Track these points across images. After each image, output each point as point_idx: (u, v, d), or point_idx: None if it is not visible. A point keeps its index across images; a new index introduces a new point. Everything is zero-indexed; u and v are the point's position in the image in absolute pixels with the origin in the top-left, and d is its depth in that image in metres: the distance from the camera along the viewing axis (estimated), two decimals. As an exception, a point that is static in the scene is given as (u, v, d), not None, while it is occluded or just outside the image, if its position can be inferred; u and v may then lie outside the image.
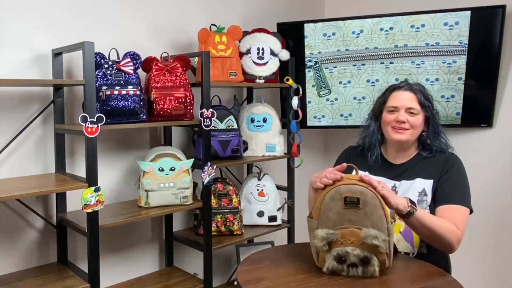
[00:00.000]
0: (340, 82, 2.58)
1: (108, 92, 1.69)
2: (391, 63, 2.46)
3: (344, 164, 1.36)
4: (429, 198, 1.55)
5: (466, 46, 2.31)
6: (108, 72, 1.73)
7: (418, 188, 1.57)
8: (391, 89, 1.66)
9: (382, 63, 2.48)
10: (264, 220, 2.31)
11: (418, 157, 1.63)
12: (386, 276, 1.26)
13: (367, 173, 1.68)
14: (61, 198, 1.83)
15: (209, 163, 1.96)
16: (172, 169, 1.88)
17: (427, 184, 1.57)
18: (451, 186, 1.53)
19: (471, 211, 1.52)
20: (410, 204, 1.36)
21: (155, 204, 1.87)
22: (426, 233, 1.41)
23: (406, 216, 1.36)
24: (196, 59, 2.11)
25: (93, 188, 1.60)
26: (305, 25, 2.58)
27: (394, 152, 1.66)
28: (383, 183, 1.32)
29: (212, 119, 1.97)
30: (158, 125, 1.85)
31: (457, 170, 1.56)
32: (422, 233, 1.43)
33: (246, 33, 2.28)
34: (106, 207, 1.90)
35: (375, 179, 1.28)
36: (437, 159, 1.59)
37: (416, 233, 1.48)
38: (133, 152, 2.12)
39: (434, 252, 1.53)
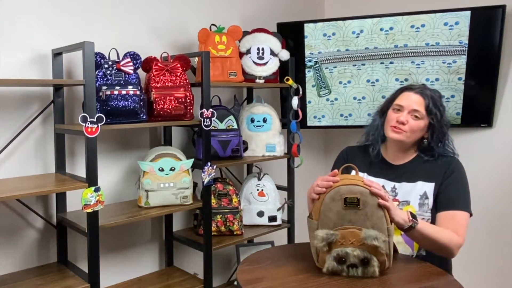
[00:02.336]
0: (340, 82, 2.58)
1: (108, 92, 1.69)
2: (391, 63, 2.46)
3: (336, 171, 1.35)
4: (430, 201, 1.55)
5: (466, 46, 2.31)
6: (108, 72, 1.72)
7: (419, 191, 1.57)
8: (403, 89, 1.65)
9: (382, 63, 2.48)
10: (264, 220, 2.31)
11: (418, 160, 1.62)
12: (386, 277, 1.26)
13: (365, 175, 1.67)
14: (61, 198, 1.83)
15: (209, 163, 1.96)
16: (172, 169, 1.88)
17: (428, 187, 1.56)
18: (453, 191, 1.53)
19: (471, 215, 1.52)
20: (411, 218, 1.36)
21: (155, 204, 1.87)
22: (427, 244, 1.44)
23: (408, 230, 1.37)
24: (196, 59, 2.11)
25: (93, 188, 1.60)
26: (305, 25, 2.58)
27: (393, 152, 1.66)
28: (388, 195, 1.34)
29: (212, 119, 1.97)
30: (158, 125, 1.85)
31: (459, 175, 1.56)
32: (423, 244, 1.46)
33: (246, 33, 2.28)
34: (106, 207, 1.90)
35: (382, 191, 1.29)
36: (439, 163, 1.59)
37: (417, 244, 1.50)
38: (133, 152, 2.12)
39: (433, 255, 1.53)
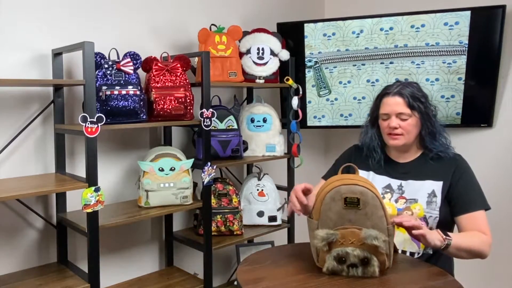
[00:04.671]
0: (340, 82, 2.58)
1: (108, 92, 1.69)
2: (391, 63, 2.46)
3: (301, 191, 1.45)
4: (438, 199, 1.55)
5: (466, 46, 2.31)
6: (108, 72, 1.73)
7: (428, 189, 1.57)
8: (382, 95, 1.65)
9: (382, 63, 2.48)
10: (264, 220, 2.31)
11: (424, 157, 1.63)
12: (386, 276, 1.26)
13: (371, 173, 1.68)
14: (61, 198, 1.83)
15: (209, 163, 1.96)
16: (172, 169, 1.88)
17: (436, 186, 1.57)
18: (469, 193, 1.55)
19: (489, 208, 1.55)
20: (444, 236, 1.39)
21: (155, 204, 1.87)
22: (464, 255, 1.45)
23: (444, 249, 1.39)
24: (196, 59, 2.11)
25: (93, 188, 1.60)
26: (305, 25, 2.58)
27: (396, 153, 1.68)
28: (419, 221, 1.36)
29: (212, 119, 1.97)
30: (158, 125, 1.85)
31: (469, 174, 1.58)
32: (461, 256, 1.46)
33: (246, 33, 2.28)
34: (106, 207, 1.90)
35: (413, 220, 1.33)
36: (445, 161, 1.60)
37: (455, 257, 1.51)
38: (133, 152, 2.12)
39: (439, 254, 1.55)
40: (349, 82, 2.56)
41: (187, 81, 1.91)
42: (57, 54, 1.79)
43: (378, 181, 1.65)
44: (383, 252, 1.23)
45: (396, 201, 1.60)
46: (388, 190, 1.63)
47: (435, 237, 1.37)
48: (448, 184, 1.56)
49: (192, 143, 2.25)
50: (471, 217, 1.51)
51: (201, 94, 1.94)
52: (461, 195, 1.54)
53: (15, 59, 1.74)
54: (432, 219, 1.55)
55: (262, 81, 2.27)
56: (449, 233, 1.41)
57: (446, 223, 1.56)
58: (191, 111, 1.92)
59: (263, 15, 2.68)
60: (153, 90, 1.82)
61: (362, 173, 1.69)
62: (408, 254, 1.57)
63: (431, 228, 1.54)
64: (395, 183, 1.63)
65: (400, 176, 1.63)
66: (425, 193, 1.57)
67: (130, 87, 1.73)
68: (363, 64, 2.52)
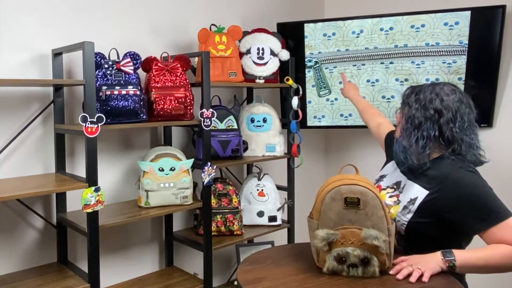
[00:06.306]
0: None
1: (108, 92, 1.69)
2: (391, 63, 2.46)
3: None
4: (414, 207, 1.44)
5: (466, 46, 2.31)
6: (108, 72, 1.73)
7: (413, 195, 1.48)
8: None
9: (382, 63, 2.48)
10: (264, 220, 2.31)
11: (431, 162, 1.50)
12: (386, 276, 1.26)
13: (398, 169, 1.61)
14: (61, 198, 1.83)
15: (209, 163, 1.96)
16: (172, 169, 1.88)
17: (421, 194, 1.45)
18: (479, 211, 1.37)
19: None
20: (444, 258, 1.29)
21: (155, 204, 1.87)
22: (483, 271, 1.35)
23: (452, 270, 1.30)
24: (196, 59, 2.11)
25: (93, 188, 1.60)
26: (305, 25, 2.58)
27: None
28: (413, 261, 1.30)
29: (212, 119, 1.97)
30: (158, 125, 1.85)
31: (470, 192, 1.40)
32: (479, 272, 1.36)
33: (246, 33, 2.28)
34: (106, 207, 1.90)
35: (405, 269, 1.27)
36: (438, 172, 1.46)
37: (482, 273, 1.39)
38: (133, 152, 2.12)
39: (410, 251, 1.44)
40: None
41: (187, 81, 1.91)
42: (57, 54, 1.79)
43: (394, 176, 1.60)
44: (384, 252, 1.23)
45: (391, 196, 1.55)
46: (395, 187, 1.57)
47: (435, 265, 1.28)
48: (433, 197, 1.43)
49: (192, 143, 2.25)
50: (492, 232, 1.34)
51: (201, 94, 1.94)
52: (464, 217, 1.38)
53: (15, 59, 1.74)
54: (400, 224, 1.46)
55: (262, 81, 2.27)
56: (456, 251, 1.31)
57: (417, 234, 1.44)
58: (191, 111, 1.92)
59: (263, 15, 2.68)
60: (153, 90, 1.82)
61: (391, 164, 1.68)
62: None
63: (398, 232, 1.45)
64: (404, 182, 1.55)
65: (410, 176, 1.54)
66: (408, 197, 1.48)
67: (130, 87, 1.73)
68: (363, 64, 2.52)
